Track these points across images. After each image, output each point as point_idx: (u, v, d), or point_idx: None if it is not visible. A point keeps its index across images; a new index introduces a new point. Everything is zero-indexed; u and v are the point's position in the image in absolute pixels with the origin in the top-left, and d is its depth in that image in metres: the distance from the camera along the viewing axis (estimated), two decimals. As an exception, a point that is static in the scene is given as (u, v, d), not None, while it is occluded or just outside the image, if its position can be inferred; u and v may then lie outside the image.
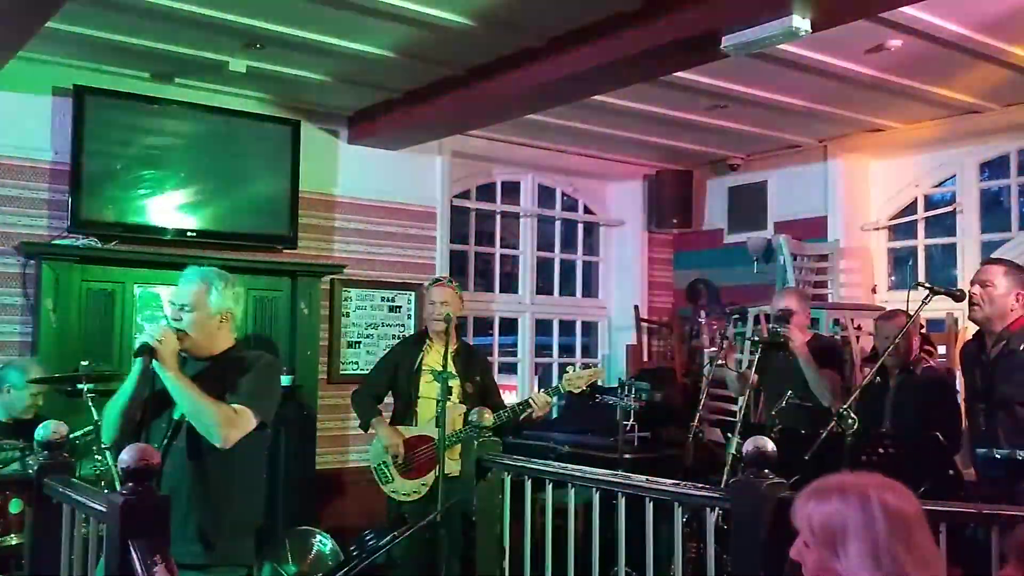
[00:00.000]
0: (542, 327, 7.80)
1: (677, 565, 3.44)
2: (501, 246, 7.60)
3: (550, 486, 3.39)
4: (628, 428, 5.47)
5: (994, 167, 6.66)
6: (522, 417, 4.66)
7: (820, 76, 5.34)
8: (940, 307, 5.46)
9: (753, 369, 4.23)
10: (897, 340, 4.00)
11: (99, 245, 5.23)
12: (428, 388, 4.65)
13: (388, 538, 4.27)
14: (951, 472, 3.97)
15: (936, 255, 7.00)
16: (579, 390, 4.64)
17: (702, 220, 7.92)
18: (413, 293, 6.52)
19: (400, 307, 6.54)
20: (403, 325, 6.52)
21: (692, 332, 7.36)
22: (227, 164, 5.71)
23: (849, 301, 6.84)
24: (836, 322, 6.35)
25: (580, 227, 8.16)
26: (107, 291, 5.24)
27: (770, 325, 4.50)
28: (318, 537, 4.93)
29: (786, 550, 1.85)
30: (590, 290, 8.21)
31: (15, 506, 3.84)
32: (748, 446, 2.53)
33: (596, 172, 7.85)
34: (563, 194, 7.95)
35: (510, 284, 7.66)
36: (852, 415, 3.26)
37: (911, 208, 7.00)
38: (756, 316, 6.32)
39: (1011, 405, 3.71)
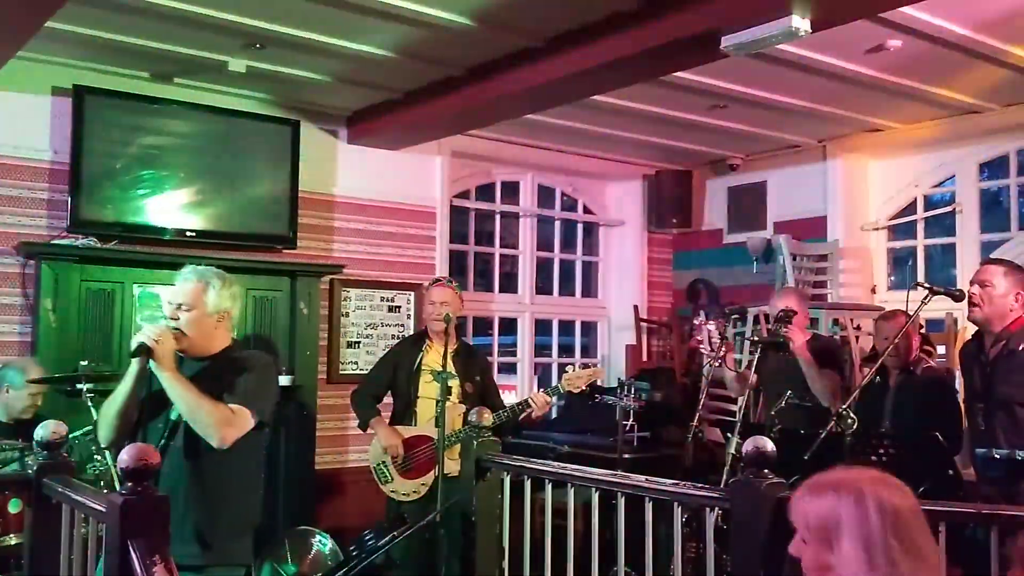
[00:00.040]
0: (541, 327, 7.81)
1: (676, 565, 3.44)
2: (501, 246, 7.61)
3: (549, 486, 3.39)
4: (627, 428, 5.47)
5: (993, 167, 6.67)
6: (521, 417, 4.66)
7: (820, 76, 5.34)
8: (939, 307, 5.46)
9: (752, 369, 4.23)
10: (897, 340, 4.00)
11: (98, 245, 5.23)
12: (428, 388, 4.65)
13: (387, 538, 4.27)
14: (951, 472, 3.97)
15: (936, 255, 7.00)
16: (578, 390, 4.64)
17: (702, 220, 7.92)
18: (413, 293, 6.52)
19: (399, 307, 6.54)
20: (402, 325, 6.52)
21: (691, 332, 7.36)
22: (227, 164, 5.71)
23: (849, 301, 6.85)
24: (836, 322, 6.36)
25: (580, 227, 8.16)
26: (106, 291, 5.23)
27: (771, 326, 4.49)
28: (317, 537, 4.93)
29: (785, 550, 1.86)
30: (590, 290, 8.22)
31: (14, 506, 3.83)
32: (748, 446, 2.53)
33: (596, 172, 7.85)
34: (563, 194, 7.95)
35: (510, 284, 7.66)
36: (852, 415, 3.26)
37: (911, 208, 7.00)
38: (756, 316, 6.32)
39: (1010, 405, 3.71)
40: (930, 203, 6.98)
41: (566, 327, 8.03)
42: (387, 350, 5.33)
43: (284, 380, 5.61)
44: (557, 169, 7.70)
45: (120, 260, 5.28)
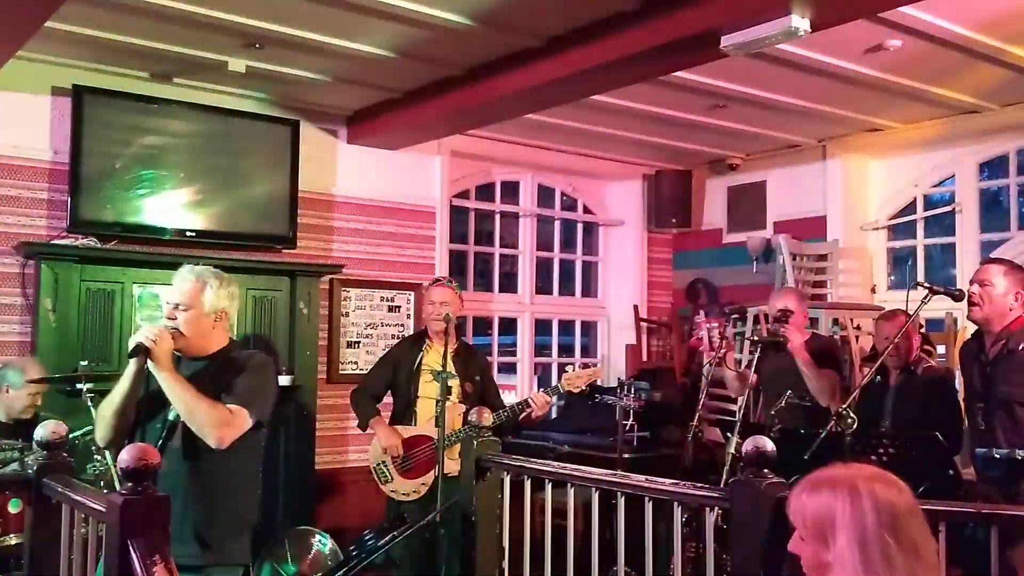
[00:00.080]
0: (541, 327, 7.81)
1: (676, 565, 3.44)
2: (500, 246, 7.60)
3: (549, 486, 3.39)
4: (627, 428, 5.48)
5: (993, 167, 6.67)
6: (521, 417, 4.66)
7: (820, 76, 5.34)
8: (939, 307, 5.47)
9: (753, 369, 4.23)
10: (897, 340, 4.00)
11: (98, 245, 5.23)
12: (428, 388, 4.65)
13: (387, 538, 4.27)
14: (951, 472, 3.97)
15: (935, 255, 7.00)
16: (578, 390, 4.64)
17: (701, 220, 7.92)
18: (412, 293, 6.52)
19: (399, 307, 6.54)
20: (402, 325, 6.52)
21: (691, 331, 7.36)
22: (227, 164, 5.71)
23: (848, 301, 6.85)
24: (835, 322, 6.36)
25: (579, 227, 8.16)
26: (106, 291, 5.23)
27: (769, 325, 4.50)
28: (317, 537, 4.93)
29: (785, 549, 1.86)
30: (589, 290, 8.22)
31: (14, 506, 3.83)
32: (748, 446, 2.54)
33: (595, 172, 7.85)
34: (562, 194, 7.95)
35: (509, 284, 7.66)
36: (852, 415, 3.26)
37: (910, 208, 7.00)
38: (755, 316, 6.32)
39: (1010, 405, 3.70)
40: (930, 203, 6.98)
41: (566, 327, 8.03)
42: (387, 350, 5.33)
43: (284, 380, 5.61)
44: (557, 169, 7.70)
45: (120, 260, 5.28)
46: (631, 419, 5.47)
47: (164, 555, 2.14)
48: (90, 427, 4.05)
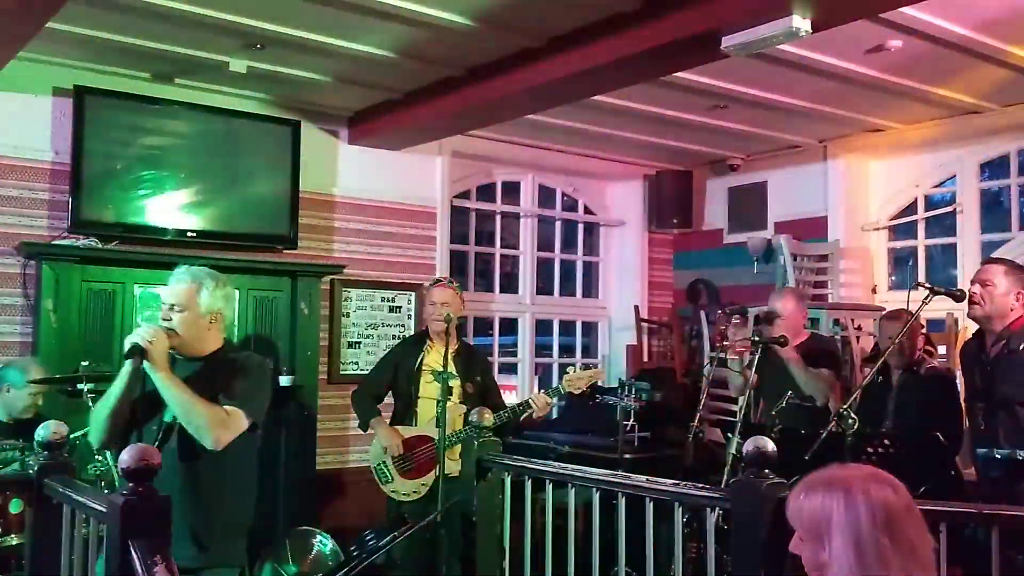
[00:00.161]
0: (542, 327, 7.80)
1: (677, 565, 3.44)
2: (501, 246, 7.61)
3: (550, 486, 3.39)
4: (628, 428, 5.47)
5: (994, 167, 6.66)
6: (522, 418, 4.66)
7: (820, 76, 5.34)
8: (940, 307, 5.46)
9: (753, 369, 4.23)
10: (901, 339, 3.99)
11: (99, 245, 5.23)
12: (428, 388, 4.65)
13: (388, 538, 4.27)
14: (951, 472, 3.97)
15: (936, 255, 7.00)
16: (579, 391, 4.64)
17: (702, 220, 7.92)
18: (413, 293, 6.52)
19: (400, 307, 6.54)
20: (403, 325, 6.52)
21: (692, 332, 7.36)
22: (227, 164, 5.71)
23: (849, 301, 6.85)
24: (836, 322, 6.36)
25: (580, 227, 8.16)
26: (107, 291, 5.24)
27: (754, 327, 4.50)
28: (318, 537, 4.93)
29: (786, 549, 1.87)
30: (590, 290, 8.21)
31: (15, 506, 3.83)
32: (748, 446, 2.53)
33: (596, 172, 7.85)
34: (563, 194, 7.95)
35: (510, 284, 7.66)
36: (852, 415, 3.26)
37: (911, 208, 7.00)
38: (756, 316, 6.31)
39: (1011, 405, 3.71)
40: (930, 203, 6.98)
41: (567, 327, 8.03)
42: (388, 350, 5.33)
43: (284, 380, 5.62)
44: (558, 169, 7.70)
45: (121, 260, 5.28)
46: (632, 419, 5.46)
47: (165, 555, 2.14)
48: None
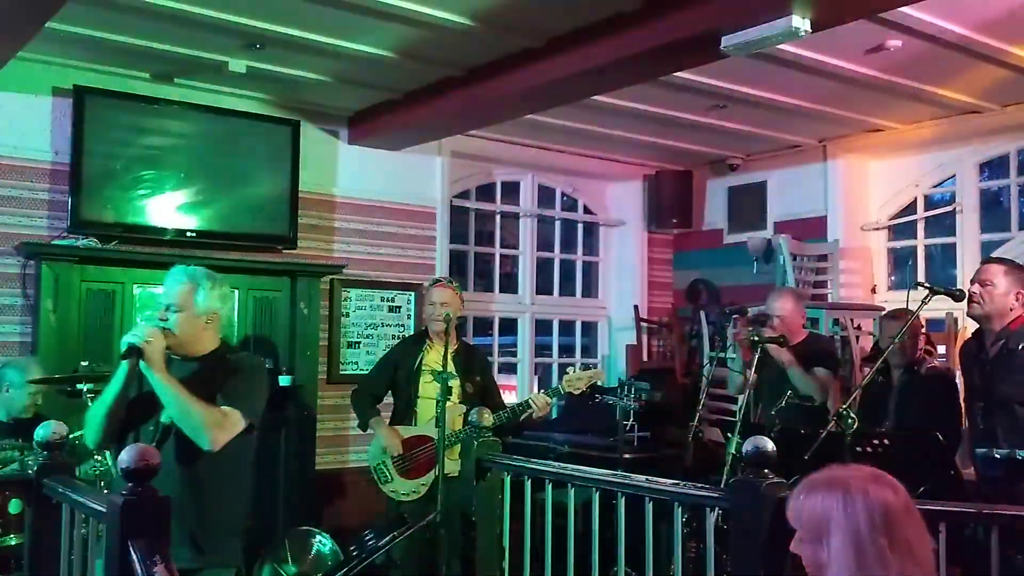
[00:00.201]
0: (542, 327, 7.80)
1: (677, 565, 3.44)
2: (501, 246, 7.61)
3: (550, 486, 3.39)
4: (628, 428, 5.47)
5: (994, 167, 6.67)
6: (522, 418, 4.66)
7: (820, 76, 5.34)
8: (940, 307, 5.46)
9: (753, 369, 4.23)
10: (904, 338, 3.99)
11: (99, 245, 5.23)
12: (428, 388, 4.65)
13: (388, 538, 4.27)
14: (951, 472, 3.97)
15: (936, 255, 7.00)
16: (579, 391, 4.64)
17: (702, 220, 7.92)
18: (413, 293, 6.52)
19: (400, 307, 6.54)
20: (403, 325, 6.52)
21: (692, 332, 7.35)
22: (227, 164, 5.71)
23: (849, 301, 6.85)
24: (836, 322, 6.36)
25: (580, 227, 8.16)
26: (107, 291, 5.24)
27: (748, 328, 4.51)
28: (318, 537, 4.92)
29: (785, 550, 1.87)
30: (590, 290, 8.21)
31: (15, 506, 3.83)
32: (748, 446, 2.54)
33: (596, 172, 7.85)
34: (563, 194, 7.95)
35: (510, 284, 7.66)
36: (852, 415, 3.26)
37: (911, 208, 7.00)
38: (753, 316, 6.31)
39: (1010, 404, 3.71)
40: (930, 203, 6.98)
41: (566, 327, 8.03)
42: (387, 350, 5.33)
43: (284, 380, 5.62)
44: (557, 169, 7.70)
45: (120, 260, 5.28)
46: (631, 419, 5.46)
47: (165, 555, 2.14)
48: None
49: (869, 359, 5.74)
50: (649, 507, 2.93)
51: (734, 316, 6.37)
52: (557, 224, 7.98)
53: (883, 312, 5.54)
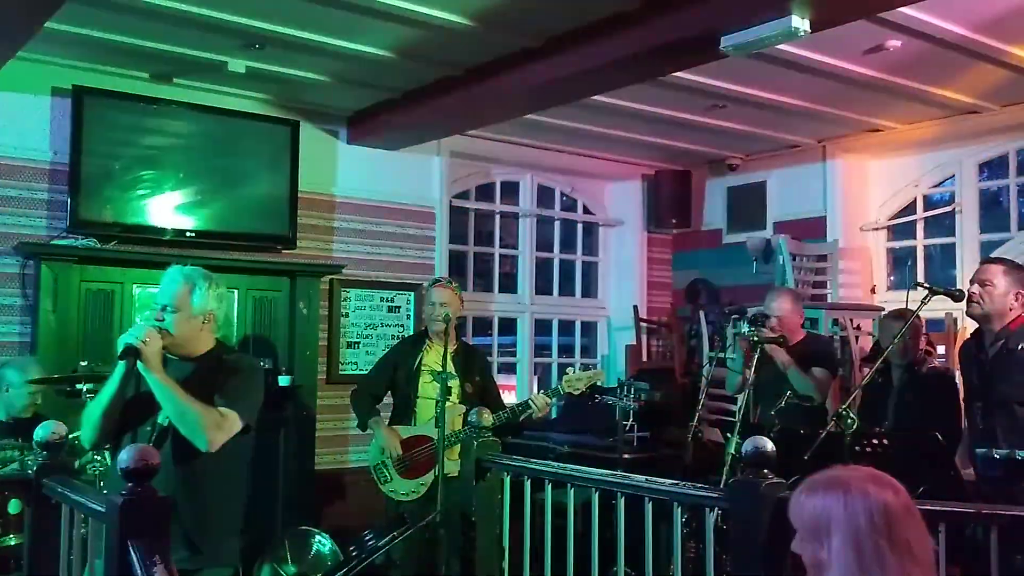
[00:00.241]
0: (541, 327, 7.80)
1: (676, 565, 3.44)
2: (500, 246, 7.60)
3: (549, 486, 3.39)
4: (627, 428, 5.47)
5: (993, 167, 6.67)
6: (522, 418, 4.66)
7: (819, 76, 5.34)
8: (939, 307, 5.46)
9: (752, 369, 4.23)
10: (905, 338, 3.99)
11: (98, 245, 5.23)
12: (427, 388, 4.65)
13: (387, 538, 4.27)
14: (950, 472, 3.97)
15: (935, 255, 7.00)
16: (578, 391, 4.64)
17: (701, 220, 7.92)
18: (412, 293, 6.52)
19: (399, 307, 6.54)
20: (402, 325, 6.52)
21: (691, 332, 7.35)
22: (226, 164, 5.70)
23: (848, 301, 6.85)
24: (835, 322, 6.36)
25: (579, 227, 8.16)
26: (106, 291, 5.24)
27: (748, 328, 4.51)
28: (317, 537, 4.92)
29: (785, 550, 1.88)
30: (589, 290, 8.21)
31: (14, 506, 3.83)
32: (747, 446, 2.54)
33: (595, 172, 7.85)
34: (562, 194, 7.95)
35: (509, 284, 7.66)
36: (852, 415, 3.26)
37: (910, 208, 7.01)
38: (752, 316, 6.31)
39: (1009, 404, 3.71)
40: (930, 203, 6.98)
41: (566, 327, 8.03)
42: (387, 350, 5.33)
43: (283, 380, 5.62)
44: (557, 169, 7.70)
45: (119, 260, 5.28)
46: (631, 419, 5.46)
47: (164, 556, 2.14)
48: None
49: (869, 359, 5.74)
50: (649, 507, 2.93)
51: (734, 316, 6.38)
52: (556, 224, 7.98)
53: (883, 312, 5.54)
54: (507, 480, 3.50)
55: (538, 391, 4.77)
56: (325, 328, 6.14)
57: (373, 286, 6.43)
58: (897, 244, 7.13)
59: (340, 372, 6.22)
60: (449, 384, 4.44)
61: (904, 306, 4.80)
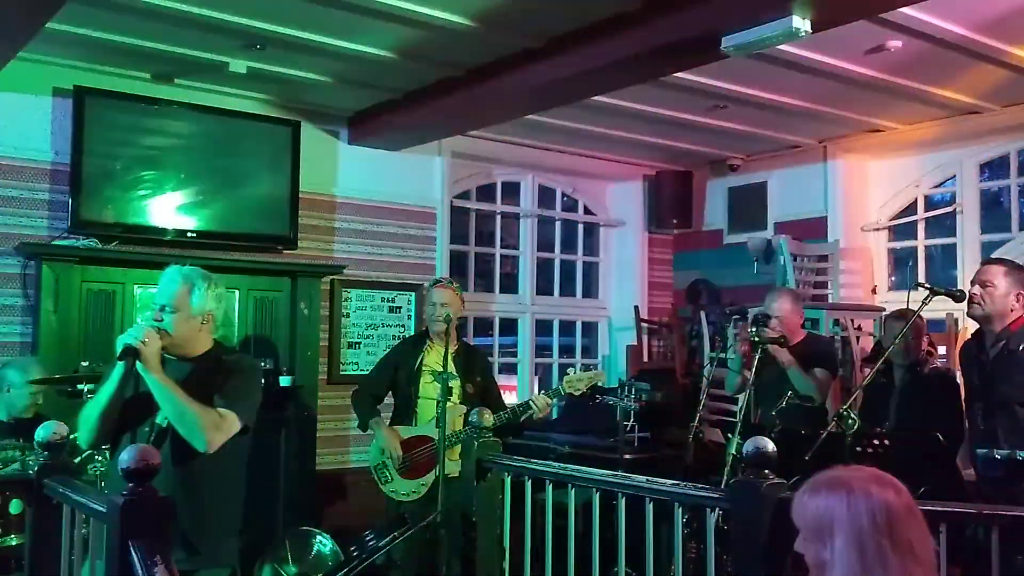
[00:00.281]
0: (542, 328, 7.80)
1: (677, 565, 3.44)
2: (501, 247, 7.61)
3: (550, 486, 3.39)
4: (628, 428, 5.47)
5: (994, 167, 6.67)
6: (522, 419, 4.66)
7: (820, 76, 5.34)
8: (940, 307, 5.46)
9: (753, 369, 4.23)
10: (908, 338, 3.98)
11: (99, 246, 5.24)
12: (428, 388, 4.65)
13: (388, 538, 4.27)
14: (951, 472, 3.97)
15: (936, 255, 7.00)
16: (579, 392, 4.64)
17: (702, 220, 7.92)
18: (413, 294, 6.53)
19: (400, 308, 6.54)
20: (403, 326, 6.53)
21: (692, 332, 7.35)
22: (227, 165, 5.71)
23: (849, 301, 6.85)
24: (836, 322, 6.36)
25: (580, 228, 8.16)
26: (107, 292, 5.24)
27: (750, 328, 4.51)
28: (318, 538, 4.92)
29: (785, 550, 1.88)
30: (590, 291, 8.21)
31: (15, 506, 3.83)
32: (748, 446, 2.53)
33: (596, 172, 7.85)
34: (563, 195, 7.95)
35: (510, 285, 7.66)
36: (852, 415, 3.26)
37: (911, 208, 7.00)
38: (753, 317, 6.31)
39: (1010, 405, 3.71)
40: (930, 203, 6.98)
41: (567, 328, 8.03)
42: (388, 350, 5.33)
43: (284, 380, 5.62)
44: (558, 169, 7.70)
45: (121, 261, 5.28)
46: (632, 420, 5.46)
47: (165, 556, 2.14)
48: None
49: (870, 359, 5.74)
50: (649, 508, 2.93)
51: (735, 316, 6.38)
52: (557, 224, 7.98)
53: (884, 312, 5.54)
54: (508, 480, 3.50)
55: (539, 391, 4.78)
56: (326, 328, 6.14)
57: (374, 286, 6.43)
58: (898, 244, 7.13)
59: (341, 372, 6.22)
60: (450, 384, 4.44)
61: (905, 306, 4.81)
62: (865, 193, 7.17)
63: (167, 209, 5.47)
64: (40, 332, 5.02)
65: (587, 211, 8.14)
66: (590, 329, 8.20)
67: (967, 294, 3.83)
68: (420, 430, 4.64)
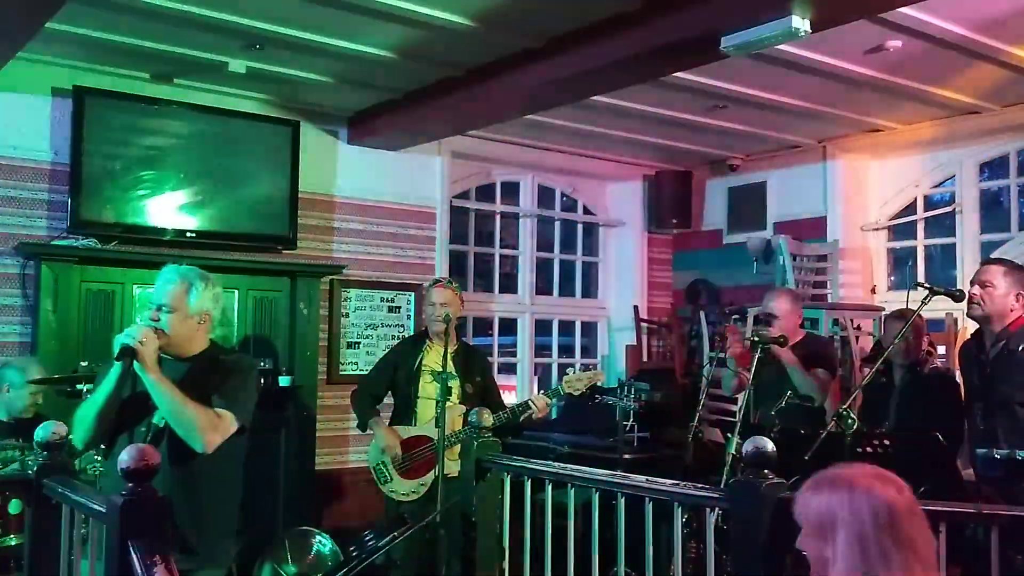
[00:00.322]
0: (542, 327, 7.80)
1: (677, 565, 3.44)
2: (501, 246, 7.61)
3: (550, 486, 3.38)
4: (627, 428, 5.47)
5: (994, 167, 6.67)
6: (522, 419, 4.66)
7: (820, 76, 5.34)
8: (940, 307, 5.46)
9: (752, 370, 4.22)
10: (908, 338, 3.98)
11: (98, 246, 5.23)
12: (428, 388, 4.65)
13: (388, 538, 4.27)
14: (951, 472, 3.97)
15: (936, 255, 7.00)
16: (578, 392, 4.64)
17: (701, 220, 7.92)
18: (412, 294, 6.53)
19: (399, 307, 6.54)
20: (402, 326, 6.53)
21: (692, 332, 7.35)
22: (227, 165, 5.70)
23: (849, 301, 6.85)
24: (835, 322, 6.36)
25: (580, 228, 8.16)
26: (106, 292, 5.24)
27: (753, 328, 4.51)
28: (318, 538, 4.92)
29: (785, 550, 1.89)
30: (589, 291, 8.22)
31: (15, 506, 3.83)
32: (748, 446, 2.53)
33: (596, 172, 7.85)
34: (563, 195, 7.95)
35: (510, 284, 7.66)
36: (852, 415, 3.25)
37: (911, 208, 7.01)
38: (756, 316, 6.31)
39: (1010, 405, 3.71)
40: (930, 203, 6.98)
41: (566, 327, 8.03)
42: (387, 350, 5.33)
43: (284, 380, 5.62)
44: (557, 169, 7.70)
45: (120, 261, 5.28)
46: (631, 420, 5.46)
47: (165, 556, 2.14)
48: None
49: (869, 359, 5.74)
50: (649, 507, 2.93)
51: (734, 316, 6.37)
52: (557, 224, 7.98)
53: (883, 312, 5.54)
54: (507, 480, 3.50)
55: (538, 391, 4.78)
56: (325, 328, 6.14)
57: (373, 286, 6.43)
58: (897, 244, 7.13)
59: (340, 372, 6.22)
60: (449, 384, 4.44)
61: (905, 306, 4.81)
62: (864, 193, 7.17)
63: (166, 209, 5.47)
64: (39, 332, 5.02)
65: (586, 211, 8.14)
66: (589, 329, 8.20)
67: (967, 294, 3.83)
68: (420, 430, 4.64)
